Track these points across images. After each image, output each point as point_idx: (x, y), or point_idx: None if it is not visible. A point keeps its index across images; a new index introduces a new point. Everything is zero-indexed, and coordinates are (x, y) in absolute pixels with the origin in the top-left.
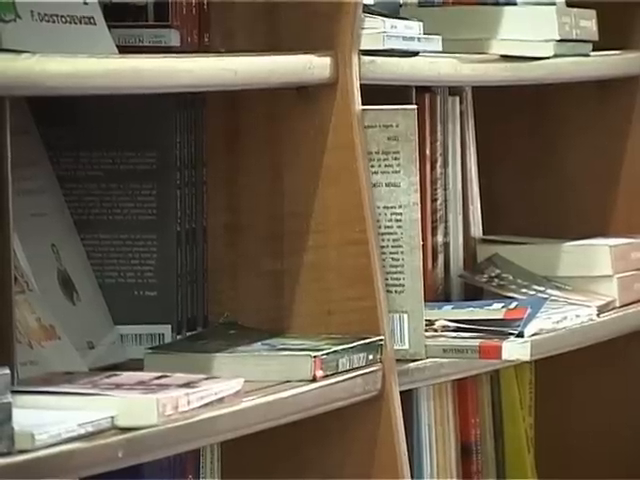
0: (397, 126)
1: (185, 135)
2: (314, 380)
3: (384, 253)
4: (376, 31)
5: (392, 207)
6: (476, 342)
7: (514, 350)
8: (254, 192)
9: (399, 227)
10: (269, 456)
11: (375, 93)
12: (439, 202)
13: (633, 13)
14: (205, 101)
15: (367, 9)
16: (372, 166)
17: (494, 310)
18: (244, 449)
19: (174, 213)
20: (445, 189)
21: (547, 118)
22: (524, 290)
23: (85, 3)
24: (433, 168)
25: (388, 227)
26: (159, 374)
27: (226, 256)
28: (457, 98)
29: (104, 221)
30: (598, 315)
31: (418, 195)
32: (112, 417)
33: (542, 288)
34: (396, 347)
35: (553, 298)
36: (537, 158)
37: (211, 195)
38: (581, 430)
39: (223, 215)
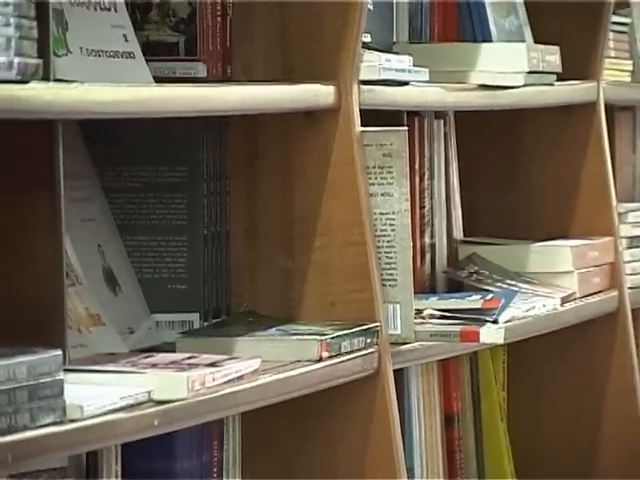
0: (391, 145)
1: (211, 153)
2: (320, 360)
3: (379, 252)
4: (373, 64)
5: (386, 213)
6: (457, 328)
7: (490, 335)
8: (269, 202)
9: (392, 230)
10: (281, 425)
11: (372, 117)
12: (426, 209)
13: (590, 49)
14: (228, 124)
15: (365, 45)
16: (369, 179)
17: (473, 301)
18: (261, 419)
19: (201, 219)
20: (431, 198)
21: (518, 138)
22: (498, 284)
23: (126, 40)
24: (421, 180)
25: (383, 230)
26: (189, 355)
27: (245, 256)
28: (442, 121)
29: (142, 225)
30: (561, 305)
31: (408, 203)
32: (149, 392)
33: (513, 282)
34: (390, 332)
35: (523, 291)
36: (509, 172)
37: (233, 204)
38: (547, 402)
39: (243, 221)
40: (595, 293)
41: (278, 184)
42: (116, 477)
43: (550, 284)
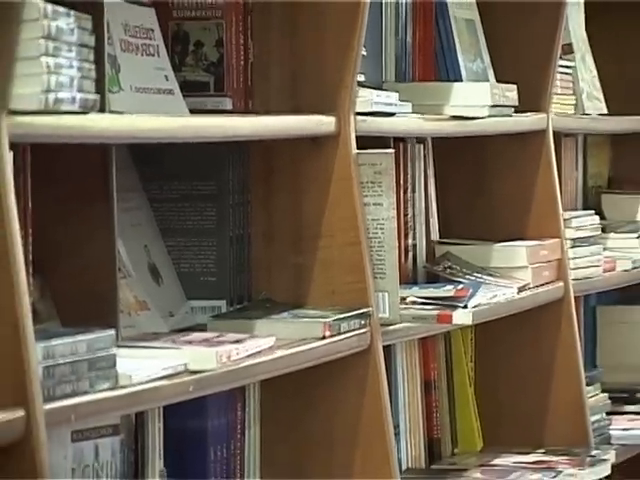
0: (380, 164)
1: (235, 170)
2: (324, 338)
3: (372, 251)
4: (366, 99)
5: (377, 220)
6: (434, 312)
7: (460, 317)
8: (282, 210)
9: (382, 233)
10: (292, 391)
11: (365, 142)
12: (409, 216)
13: (541, 86)
14: (249, 147)
15: (360, 83)
16: (363, 192)
17: (447, 290)
18: (276, 387)
19: (228, 224)
20: (413, 207)
21: (483, 159)
22: (467, 276)
23: (167, 79)
24: (405, 193)
25: (374, 233)
26: (217, 334)
27: (263, 254)
28: (421, 145)
29: (179, 229)
30: (518, 293)
31: (395, 211)
32: (185, 363)
33: (479, 275)
34: (380, 315)
35: (487, 282)
36: (476, 187)
37: (253, 212)
38: (506, 372)
39: (261, 226)
40: (545, 284)
41: (289, 196)
42: (159, 433)
43: (509, 276)
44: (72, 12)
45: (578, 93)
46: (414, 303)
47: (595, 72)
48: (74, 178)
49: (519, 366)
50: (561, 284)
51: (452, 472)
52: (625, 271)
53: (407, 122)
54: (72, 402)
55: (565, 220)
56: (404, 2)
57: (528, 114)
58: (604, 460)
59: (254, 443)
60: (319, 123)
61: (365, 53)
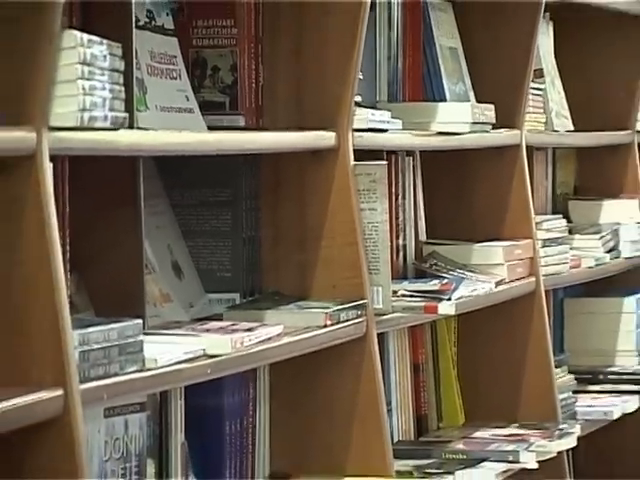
0: (375, 174)
1: (248, 180)
2: (325, 326)
3: (367, 250)
4: (363, 117)
5: (372, 223)
6: (422, 303)
7: (445, 308)
8: (289, 215)
9: (376, 235)
10: (297, 373)
11: (362, 154)
12: (400, 220)
13: (515, 106)
14: (260, 159)
15: (357, 103)
16: (360, 198)
17: (433, 284)
18: (283, 369)
19: (241, 227)
20: (403, 212)
21: (464, 170)
22: (451, 272)
23: (187, 100)
24: (396, 199)
25: (370, 235)
26: (232, 322)
27: (272, 253)
28: (411, 158)
29: (199, 231)
30: (495, 287)
31: (387, 216)
32: (203, 349)
33: (462, 271)
34: (374, 306)
35: (468, 277)
36: (458, 194)
37: (263, 217)
38: (485, 357)
39: (270, 229)
40: (519, 279)
41: (295, 202)
42: (180, 409)
43: (487, 272)
44: (104, 41)
45: (548, 112)
46: (404, 296)
47: (563, 93)
48: (106, 186)
49: (496, 351)
50: (533, 279)
51: (438, 444)
52: (589, 268)
53: (398, 137)
54: (104, 382)
55: (536, 223)
56: (395, 32)
57: (504, 130)
58: (570, 433)
59: (264, 418)
60: (321, 138)
61: (361, 77)
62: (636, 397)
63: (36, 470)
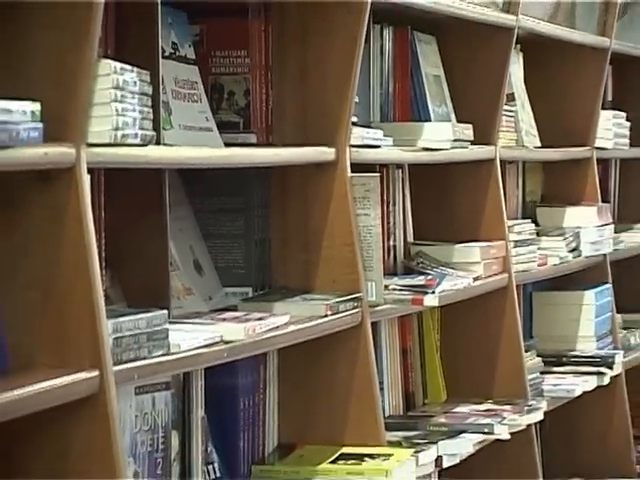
0: (369, 184)
1: (259, 190)
2: (326, 316)
3: (362, 250)
4: (358, 135)
5: (367, 226)
6: (410, 296)
7: (430, 300)
8: (295, 220)
9: (370, 237)
10: (301, 357)
11: (358, 167)
12: (391, 224)
13: (485, 125)
14: (270, 172)
15: (354, 123)
16: (357, 205)
17: (419, 280)
18: (289, 354)
19: (253, 230)
20: (394, 217)
21: (446, 180)
22: (434, 269)
23: (207, 120)
24: (387, 206)
25: (365, 237)
26: (245, 313)
27: (280, 253)
28: (400, 170)
29: (216, 234)
30: (473, 282)
31: (380, 220)
32: (221, 335)
33: (444, 268)
34: (368, 299)
35: (450, 273)
36: (441, 202)
37: (272, 222)
38: (464, 342)
39: (278, 232)
40: (493, 275)
41: (300, 209)
42: (200, 388)
43: (466, 269)
44: (135, 69)
45: (519, 131)
46: (394, 290)
47: (531, 114)
48: (136, 195)
49: (474, 337)
50: (506, 275)
51: (423, 417)
52: (554, 265)
53: (389, 152)
54: (135, 365)
55: (509, 227)
56: (387, 61)
57: (481, 147)
58: (538, 408)
59: (273, 396)
60: (322, 153)
61: (357, 100)
62: (594, 377)
63: (77, 440)
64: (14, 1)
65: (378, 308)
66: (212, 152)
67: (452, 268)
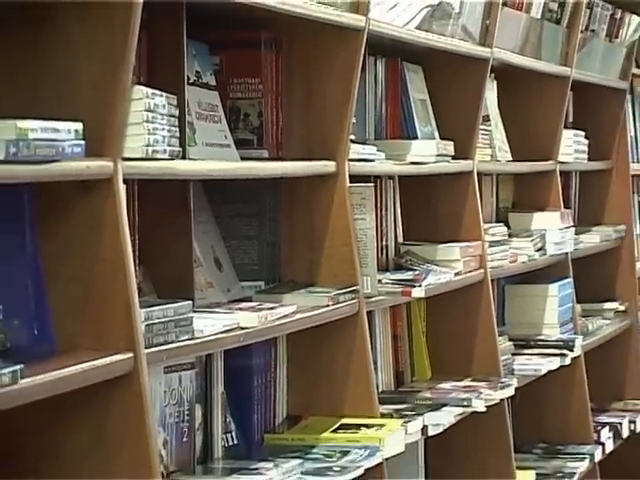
0: (365, 193)
1: (271, 197)
2: (328, 306)
3: (359, 249)
4: (355, 150)
5: (362, 229)
6: (400, 289)
7: (417, 292)
8: (301, 224)
9: (366, 238)
10: (306, 342)
11: (355, 179)
12: (383, 226)
13: (468, 142)
14: (279, 182)
15: (352, 140)
16: (354, 211)
17: (408, 275)
18: (296, 338)
19: (265, 233)
20: (386, 221)
21: (431, 189)
22: (421, 266)
23: (225, 138)
24: (380, 211)
25: (361, 238)
26: (259, 303)
27: (288, 252)
28: (391, 181)
29: (234, 235)
30: (454, 277)
31: (374, 223)
32: (238, 322)
33: (429, 265)
34: (364, 291)
35: (434, 270)
36: (426, 208)
37: (282, 226)
38: (446, 327)
39: (287, 234)
40: (471, 271)
41: (305, 214)
42: (220, 368)
43: (448, 266)
44: (164, 94)
45: (493, 147)
46: (387, 283)
47: (504, 133)
48: (165, 201)
49: (455, 324)
50: (482, 271)
51: (411, 393)
52: (523, 262)
53: (382, 166)
54: (163, 348)
55: (484, 229)
56: (380, 87)
57: (460, 161)
58: (509, 385)
59: (282, 375)
60: (325, 166)
61: (354, 120)
62: (558, 358)
63: (114, 413)
64: (62, 38)
65: (372, 299)
66: (230, 165)
67: (436, 265)
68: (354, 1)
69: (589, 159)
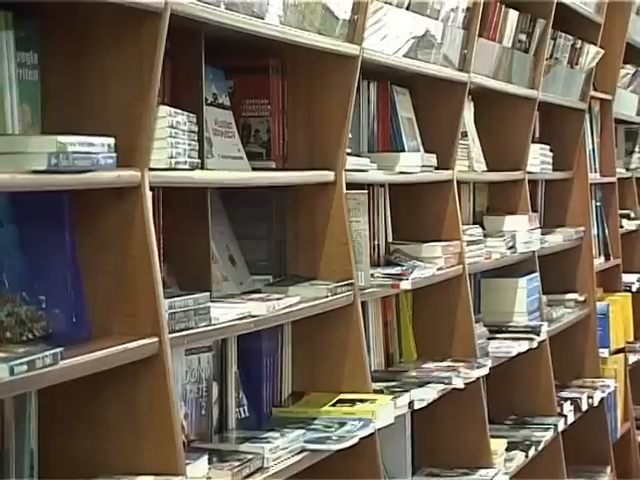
0: (359, 199)
1: (278, 202)
2: (327, 297)
3: (354, 248)
4: (351, 162)
5: (357, 230)
6: (390, 282)
7: (405, 285)
8: (304, 225)
9: (360, 238)
10: (309, 328)
11: (351, 186)
12: (375, 228)
13: (449, 155)
14: (286, 189)
15: (348, 153)
16: (350, 214)
17: (397, 270)
18: (300, 325)
19: (273, 233)
20: (377, 223)
21: (416, 196)
22: (408, 262)
23: (239, 151)
24: (373, 215)
25: (356, 238)
26: (267, 294)
27: (293, 250)
28: (382, 188)
29: (246, 235)
30: (436, 271)
31: (367, 225)
32: (249, 311)
33: (415, 261)
34: (359, 284)
35: (419, 265)
36: (412, 211)
37: (288, 226)
38: (430, 315)
39: (293, 234)
40: (452, 266)
41: (308, 217)
42: (235, 350)
43: (431, 262)
44: (185, 113)
45: (470, 159)
46: (378, 277)
47: (480, 147)
48: (186, 206)
49: (437, 312)
50: (461, 266)
51: (399, 372)
52: (496, 259)
53: (374, 175)
54: (185, 333)
55: (463, 230)
56: (373, 107)
57: (442, 171)
58: (484, 365)
59: (288, 357)
60: (325, 176)
61: (350, 136)
62: (526, 342)
63: (142, 390)
64: (98, 66)
65: (366, 291)
66: (242, 175)
67: (421, 261)
68: (350, 32)
69: (553, 169)
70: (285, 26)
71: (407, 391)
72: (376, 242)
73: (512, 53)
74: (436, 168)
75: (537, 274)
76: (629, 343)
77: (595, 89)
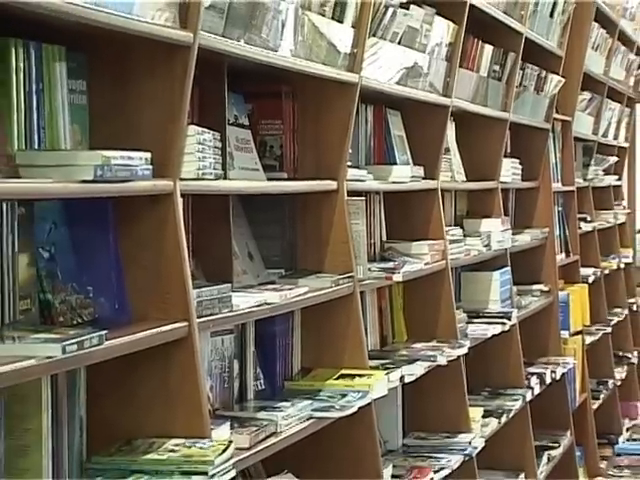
0: (358, 205)
1: (289, 207)
2: (331, 287)
3: (354, 246)
4: (351, 173)
5: (357, 231)
6: (384, 274)
7: (397, 277)
8: (312, 229)
9: (359, 238)
10: (316, 314)
11: (351, 194)
12: (371, 229)
13: (434, 167)
14: (296, 197)
15: (348, 165)
16: (350, 218)
17: (390, 264)
18: (308, 311)
19: (286, 234)
20: (373, 225)
21: (406, 203)
22: (399, 258)
23: (256, 164)
24: (369, 218)
25: (355, 237)
26: (280, 285)
27: (303, 249)
28: (378, 196)
29: (262, 235)
30: (424, 266)
31: (365, 227)
32: (265, 299)
33: (406, 257)
34: (358, 276)
35: (409, 261)
36: (403, 215)
37: (297, 228)
38: (418, 302)
39: (302, 235)
40: (436, 261)
41: (315, 220)
42: (253, 333)
43: (419, 258)
44: (211, 131)
45: (452, 171)
46: (374, 270)
47: (460, 160)
48: (212, 210)
49: (425, 301)
50: (444, 262)
51: (392, 351)
52: (474, 255)
53: (370, 184)
54: (210, 318)
55: (446, 231)
56: (369, 126)
57: (428, 181)
58: (464, 345)
59: (297, 338)
60: (329, 185)
61: (351, 151)
62: (499, 326)
63: (174, 367)
64: (135, 90)
65: (364, 282)
66: (259, 184)
67: (410, 257)
68: (350, 63)
69: (522, 179)
70: (296, 58)
71: (399, 367)
72: (372, 241)
73: (487, 81)
74: (423, 178)
75: (508, 268)
76: (586, 326)
77: (557, 112)
